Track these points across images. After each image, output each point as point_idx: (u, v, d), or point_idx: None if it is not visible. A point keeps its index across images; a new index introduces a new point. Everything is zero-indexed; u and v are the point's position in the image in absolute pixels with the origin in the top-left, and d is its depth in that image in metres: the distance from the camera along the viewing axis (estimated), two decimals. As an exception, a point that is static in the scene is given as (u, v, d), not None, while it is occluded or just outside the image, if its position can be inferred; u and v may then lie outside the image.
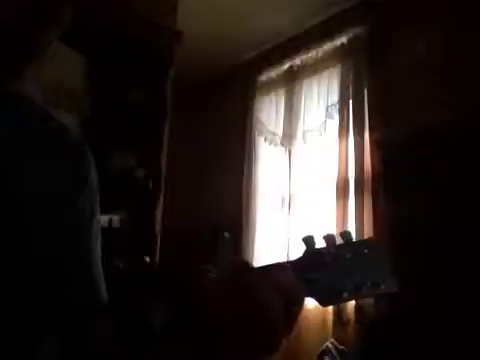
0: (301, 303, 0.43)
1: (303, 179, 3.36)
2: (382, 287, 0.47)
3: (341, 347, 2.63)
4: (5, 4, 0.45)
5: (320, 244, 0.48)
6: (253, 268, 0.45)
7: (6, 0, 0.45)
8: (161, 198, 2.70)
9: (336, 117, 3.12)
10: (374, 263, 0.48)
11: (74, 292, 0.58)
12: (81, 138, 0.65)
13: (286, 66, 3.60)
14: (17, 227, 0.51)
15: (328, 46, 3.26)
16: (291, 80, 3.54)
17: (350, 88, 3.05)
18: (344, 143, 3.01)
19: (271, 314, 0.41)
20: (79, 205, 0.60)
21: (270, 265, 0.45)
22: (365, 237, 2.75)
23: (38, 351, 0.39)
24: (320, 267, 0.46)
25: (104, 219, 2.48)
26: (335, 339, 2.70)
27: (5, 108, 0.55)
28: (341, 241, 0.49)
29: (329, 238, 0.48)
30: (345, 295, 0.45)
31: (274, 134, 3.66)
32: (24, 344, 0.50)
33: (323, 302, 0.45)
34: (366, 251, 0.49)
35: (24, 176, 0.54)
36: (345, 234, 0.49)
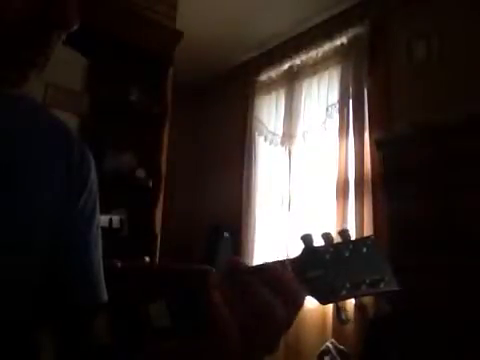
0: (300, 301, 0.43)
1: (303, 179, 3.36)
2: (381, 286, 0.47)
3: (341, 347, 2.63)
4: (13, 5, 0.45)
5: (319, 243, 0.48)
6: (251, 266, 0.45)
7: (14, 1, 0.45)
8: (161, 198, 2.70)
9: (336, 117, 3.12)
10: (373, 261, 0.48)
11: (74, 292, 0.58)
12: (81, 139, 0.65)
13: (286, 66, 3.61)
14: (17, 228, 0.52)
15: (328, 46, 3.26)
16: (291, 80, 3.54)
17: (350, 88, 3.05)
18: (344, 143, 3.01)
19: (270, 313, 0.41)
20: (80, 206, 0.60)
21: (269, 263, 0.45)
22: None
23: (37, 349, 0.39)
24: (318, 265, 0.46)
25: (104, 219, 2.48)
26: (335, 339, 2.70)
27: (6, 108, 0.55)
28: (340, 239, 0.49)
29: (327, 236, 0.48)
30: (344, 293, 0.45)
31: (274, 134, 3.66)
32: (24, 342, 0.50)
33: (322, 300, 0.45)
34: (365, 249, 0.49)
35: (23, 177, 0.54)
36: (343, 232, 0.49)
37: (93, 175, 0.64)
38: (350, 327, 2.70)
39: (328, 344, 2.66)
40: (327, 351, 2.63)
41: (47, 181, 0.56)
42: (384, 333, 2.30)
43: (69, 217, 0.58)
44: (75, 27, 0.49)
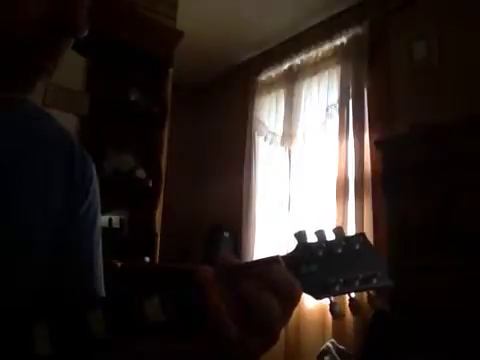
0: (295, 295, 0.43)
1: (303, 179, 3.36)
2: (374, 281, 0.47)
3: (341, 347, 2.63)
4: (24, 12, 0.45)
5: (313, 240, 0.49)
6: (245, 263, 0.45)
7: (26, 8, 0.45)
8: (161, 198, 2.70)
9: (336, 117, 3.12)
10: (366, 258, 0.49)
11: (75, 293, 0.58)
12: (81, 139, 0.65)
13: (286, 66, 3.61)
14: (18, 230, 0.52)
15: (328, 46, 3.27)
16: (291, 80, 3.54)
17: (350, 88, 3.05)
18: (344, 143, 3.01)
19: (266, 307, 0.41)
20: (81, 217, 0.60)
21: (262, 259, 0.46)
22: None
23: (33, 343, 0.40)
24: (312, 261, 0.47)
25: (104, 219, 2.48)
26: (335, 339, 2.70)
27: (6, 110, 0.55)
28: (333, 237, 0.49)
29: (320, 233, 0.49)
30: (337, 289, 0.46)
31: (274, 134, 3.66)
32: (20, 335, 0.50)
33: (316, 296, 0.46)
34: (357, 246, 0.49)
35: (28, 180, 0.54)
36: (337, 230, 0.50)
37: (94, 183, 0.64)
38: (350, 327, 2.69)
39: (328, 344, 2.66)
40: (327, 351, 2.62)
41: (48, 194, 0.56)
42: (384, 333, 2.30)
43: (70, 229, 0.58)
44: (85, 33, 0.49)
